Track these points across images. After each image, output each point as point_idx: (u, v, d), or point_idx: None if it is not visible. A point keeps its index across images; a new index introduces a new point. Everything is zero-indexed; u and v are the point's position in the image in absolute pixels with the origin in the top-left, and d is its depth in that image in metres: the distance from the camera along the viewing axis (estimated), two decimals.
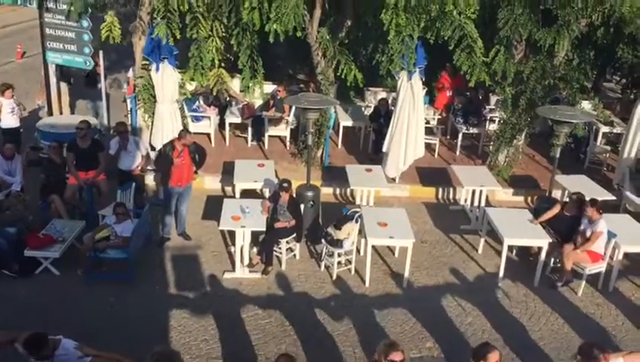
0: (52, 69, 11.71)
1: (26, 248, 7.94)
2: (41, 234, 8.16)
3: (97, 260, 7.95)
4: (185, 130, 9.21)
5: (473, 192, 10.17)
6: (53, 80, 11.82)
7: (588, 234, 8.22)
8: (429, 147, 11.88)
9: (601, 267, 8.33)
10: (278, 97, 12.22)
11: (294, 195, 8.84)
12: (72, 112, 12.34)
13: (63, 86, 12.32)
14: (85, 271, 7.91)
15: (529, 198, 11.04)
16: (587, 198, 8.56)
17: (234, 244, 8.50)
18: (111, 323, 7.15)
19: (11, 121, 10.74)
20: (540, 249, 8.47)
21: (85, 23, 10.90)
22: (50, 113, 11.86)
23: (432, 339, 7.21)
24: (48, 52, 11.34)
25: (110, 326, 7.05)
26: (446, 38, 9.58)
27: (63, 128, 10.23)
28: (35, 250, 7.97)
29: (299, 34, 9.33)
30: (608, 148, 12.35)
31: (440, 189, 11.15)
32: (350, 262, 8.59)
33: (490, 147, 11.88)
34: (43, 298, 7.55)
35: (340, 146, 12.57)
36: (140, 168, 9.74)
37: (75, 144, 9.14)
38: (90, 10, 10.58)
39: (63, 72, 12.47)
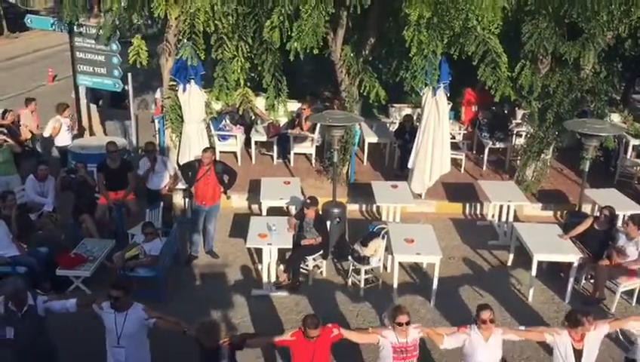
0: (82, 92, 11.99)
1: (58, 267, 8.09)
2: (73, 254, 8.32)
3: (127, 279, 8.04)
4: (208, 148, 9.29)
5: (501, 207, 10.06)
6: (83, 102, 12.09)
7: (629, 251, 8.04)
8: (455, 162, 11.82)
9: (635, 283, 8.15)
10: (304, 115, 12.31)
11: (320, 212, 8.86)
12: (105, 133, 12.59)
13: (93, 108, 12.60)
14: None
15: (558, 213, 10.89)
16: (617, 212, 8.41)
17: (261, 262, 8.54)
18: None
19: (66, 139, 11.03)
20: (570, 264, 8.33)
21: (114, 47, 11.17)
22: (80, 134, 12.12)
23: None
24: (79, 75, 11.64)
25: None
26: (470, 53, 9.57)
27: (94, 149, 10.44)
28: (66, 269, 8.12)
29: (316, 51, 9.43)
30: (639, 161, 12.12)
31: (467, 205, 11.07)
32: (377, 279, 8.55)
33: (518, 161, 11.77)
34: (74, 316, 7.63)
35: (365, 163, 12.58)
36: (167, 188, 9.87)
37: (105, 164, 9.31)
38: (119, 33, 10.84)
39: (95, 94, 12.78)
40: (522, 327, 6.27)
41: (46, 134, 11.44)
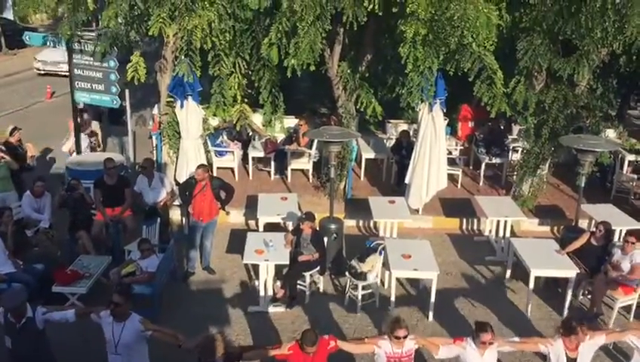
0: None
1: (54, 284, 8.05)
2: (69, 270, 8.27)
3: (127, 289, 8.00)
4: (201, 165, 9.28)
5: (498, 223, 10.07)
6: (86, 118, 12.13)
7: (624, 266, 8.05)
8: (451, 178, 11.84)
9: (632, 299, 8.14)
10: (301, 132, 12.34)
11: (318, 228, 8.86)
12: (104, 150, 12.59)
13: (95, 124, 12.62)
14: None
15: (555, 228, 10.89)
16: (614, 227, 8.42)
17: (258, 278, 8.51)
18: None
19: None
20: (567, 280, 8.32)
21: (112, 63, 11.21)
22: (78, 151, 12.13)
23: None
24: (77, 91, 11.65)
25: None
26: (466, 69, 9.64)
27: (90, 165, 10.44)
28: (62, 285, 8.05)
29: (312, 68, 9.49)
30: (635, 176, 12.15)
31: (464, 220, 11.08)
32: (374, 295, 8.53)
33: (514, 177, 11.80)
34: (68, 333, 7.58)
35: (362, 178, 12.60)
36: (164, 203, 9.86)
37: (102, 181, 9.31)
38: (116, 50, 10.89)
39: (95, 111, 12.80)
40: (516, 338, 6.34)
41: (64, 149, 11.85)
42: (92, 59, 11.16)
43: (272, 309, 8.34)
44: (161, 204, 9.84)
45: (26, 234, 8.93)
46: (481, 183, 12.47)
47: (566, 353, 5.71)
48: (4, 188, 9.83)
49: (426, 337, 6.18)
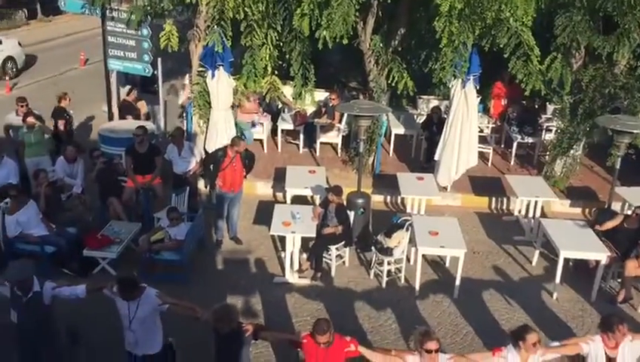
0: (113, 76, 12.13)
1: (85, 248, 8.23)
2: (100, 235, 8.45)
3: (152, 261, 8.15)
4: (238, 136, 9.35)
5: (528, 203, 9.93)
6: (113, 86, 12.23)
7: None
8: (482, 156, 11.69)
9: None
10: (331, 104, 12.28)
11: (345, 202, 8.85)
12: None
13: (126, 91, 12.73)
14: (140, 272, 8.10)
15: (587, 210, 10.71)
16: None
17: (284, 250, 8.58)
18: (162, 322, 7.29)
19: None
20: (597, 262, 8.19)
21: (145, 31, 11.24)
22: (110, 118, 12.28)
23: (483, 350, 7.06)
24: (110, 59, 11.74)
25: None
26: (501, 45, 9.42)
27: (123, 133, 10.56)
28: (93, 250, 8.25)
29: (345, 40, 9.38)
30: None
31: (493, 199, 10.95)
32: (400, 271, 8.53)
33: (547, 157, 11.59)
34: (98, 297, 7.74)
35: (391, 154, 12.51)
36: (192, 172, 9.95)
37: (133, 148, 9.42)
38: (149, 18, 10.92)
39: (128, 79, 12.90)
40: (556, 343, 5.82)
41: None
42: (125, 26, 11.20)
43: (297, 281, 8.40)
44: (191, 173, 9.93)
45: (60, 197, 9.12)
46: (512, 162, 12.28)
47: (605, 351, 5.45)
48: (38, 153, 10.00)
49: (464, 354, 5.66)
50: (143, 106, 12.44)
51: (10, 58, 17.46)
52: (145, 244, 8.13)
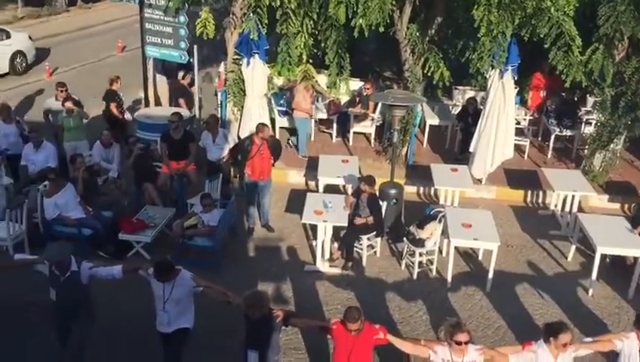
0: (150, 63, 12.27)
1: (120, 232, 8.37)
2: (135, 219, 8.59)
3: (185, 247, 8.25)
4: (262, 123, 9.29)
5: (565, 197, 9.72)
6: (150, 73, 12.38)
7: None
8: (518, 148, 11.49)
9: None
10: (365, 94, 12.21)
11: (377, 193, 8.80)
12: (171, 104, 12.88)
13: (162, 79, 12.88)
14: (174, 257, 8.17)
15: (626, 206, 10.44)
16: None
17: (315, 238, 8.58)
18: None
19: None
20: (635, 259, 7.98)
21: (182, 19, 11.33)
22: (146, 104, 12.44)
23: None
24: (147, 46, 11.88)
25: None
26: (542, 35, 9.21)
27: (159, 119, 10.69)
28: (128, 233, 8.39)
29: (381, 29, 9.27)
30: None
31: (529, 193, 10.76)
32: (432, 263, 8.46)
33: (585, 151, 11.33)
34: (132, 280, 7.87)
35: (425, 145, 12.39)
36: (226, 159, 10.02)
37: (168, 135, 9.52)
38: (187, 5, 10.99)
39: (165, 66, 13.05)
40: (589, 339, 5.67)
41: None
42: (163, 13, 11.30)
43: (327, 270, 8.41)
44: (224, 160, 10.01)
45: (96, 181, 9.29)
46: (549, 155, 12.03)
47: None
48: (77, 137, 10.20)
49: (493, 347, 5.57)
50: (195, 91, 12.57)
51: (19, 52, 16.60)
52: (178, 229, 8.23)
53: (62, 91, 10.72)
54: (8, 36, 16.51)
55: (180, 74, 12.51)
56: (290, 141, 11.89)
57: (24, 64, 16.86)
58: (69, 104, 10.13)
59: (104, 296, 6.41)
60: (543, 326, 5.39)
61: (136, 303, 6.62)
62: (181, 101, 12.16)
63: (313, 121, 12.09)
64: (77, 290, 5.78)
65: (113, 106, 11.22)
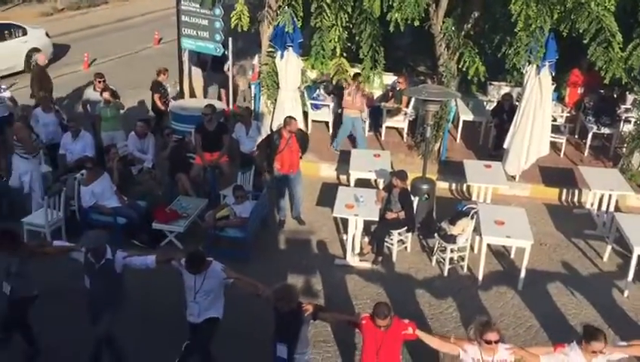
0: (185, 55, 12.41)
1: (154, 221, 8.51)
2: (168, 209, 8.71)
3: (217, 237, 8.34)
4: (290, 116, 9.28)
5: (601, 196, 9.52)
6: (185, 65, 12.51)
7: None
8: (554, 146, 11.29)
9: None
10: (398, 88, 12.14)
11: (409, 188, 8.76)
12: (205, 96, 13.00)
13: (197, 71, 13.01)
14: (205, 247, 8.30)
15: None
16: None
17: (346, 232, 8.59)
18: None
19: None
20: None
21: (218, 11, 11.41)
22: (181, 96, 12.59)
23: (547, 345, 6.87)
24: (183, 38, 11.99)
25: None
26: (581, 30, 9.02)
27: (193, 111, 10.81)
28: (162, 223, 8.51)
29: (416, 23, 9.19)
30: None
31: (564, 191, 10.57)
32: (463, 259, 8.39)
33: (624, 149, 11.06)
34: (164, 269, 7.99)
35: (458, 141, 12.26)
36: (257, 154, 10.06)
37: (202, 126, 9.62)
38: None
39: (200, 59, 13.19)
40: (623, 343, 5.51)
41: None
42: (199, 6, 11.40)
43: (357, 264, 8.41)
44: (257, 152, 10.06)
45: (131, 171, 9.45)
46: (586, 153, 11.79)
47: None
48: (113, 128, 10.39)
49: (524, 347, 5.41)
50: (240, 84, 12.78)
51: (35, 50, 15.85)
52: (211, 220, 8.32)
53: (100, 82, 10.91)
54: (24, 33, 16.12)
55: (226, 65, 12.57)
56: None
57: None
58: (106, 95, 10.32)
59: (136, 285, 6.51)
60: (582, 326, 5.26)
61: (167, 292, 6.71)
62: (223, 92, 12.21)
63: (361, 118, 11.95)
64: (110, 278, 5.88)
65: (157, 97, 11.43)
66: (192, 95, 12.88)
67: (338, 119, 12.58)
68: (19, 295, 6.01)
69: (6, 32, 15.70)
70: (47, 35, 16.83)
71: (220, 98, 12.99)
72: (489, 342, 4.94)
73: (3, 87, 11.57)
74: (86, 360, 6.00)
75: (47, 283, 6.37)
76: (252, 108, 11.30)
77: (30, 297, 6.11)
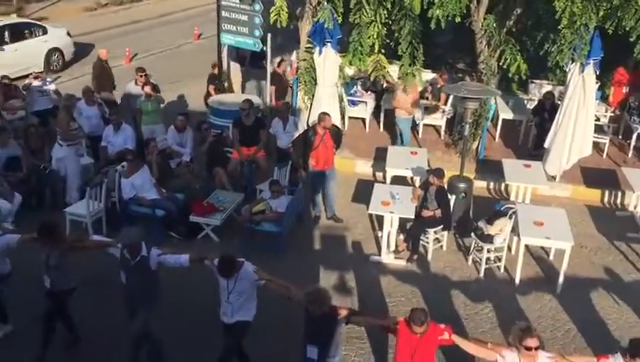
0: (224, 50, 12.52)
1: (191, 214, 8.63)
2: (205, 203, 8.82)
3: (252, 231, 8.41)
4: (324, 112, 9.25)
5: None
6: (225, 60, 12.62)
7: None
8: (597, 146, 11.03)
9: None
10: (438, 85, 12.01)
11: (446, 186, 8.67)
12: (243, 91, 13.09)
13: (236, 66, 13.12)
14: (241, 241, 8.41)
15: None
16: None
17: (381, 229, 8.55)
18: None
19: None
20: None
21: (257, 7, 11.45)
22: (222, 91, 12.69)
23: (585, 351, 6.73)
24: (223, 33, 12.08)
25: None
26: (627, 28, 8.77)
27: (232, 106, 10.89)
28: (199, 216, 8.63)
29: (458, 19, 9.06)
30: None
31: (606, 192, 10.32)
32: (500, 260, 8.27)
33: None
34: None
35: (497, 139, 12.07)
36: (293, 151, 10.09)
37: (240, 121, 9.71)
38: None
39: (239, 54, 13.29)
40: None
41: None
42: (239, 1, 11.47)
43: (392, 261, 8.37)
44: (293, 149, 10.09)
45: (169, 164, 9.60)
46: (630, 154, 11.48)
47: None
48: (154, 121, 10.57)
49: (566, 356, 5.23)
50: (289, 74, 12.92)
51: (56, 50, 15.82)
52: (247, 214, 8.39)
53: (141, 76, 11.10)
54: (45, 32, 15.87)
55: (276, 61, 12.62)
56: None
57: (60, 61, 16.11)
58: (147, 89, 10.50)
59: (171, 282, 6.57)
60: (629, 341, 5.02)
61: (201, 291, 6.74)
62: (271, 88, 12.21)
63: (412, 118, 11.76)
64: (145, 275, 5.95)
65: (211, 88, 11.72)
66: (231, 90, 12.98)
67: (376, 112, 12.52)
68: (58, 288, 6.18)
69: (26, 31, 15.59)
70: (68, 34, 16.61)
71: (264, 95, 13.03)
72: (529, 349, 4.80)
73: (48, 80, 11.91)
74: (123, 353, 6.08)
75: (85, 276, 6.50)
76: (290, 103, 11.33)
77: (68, 289, 6.27)
